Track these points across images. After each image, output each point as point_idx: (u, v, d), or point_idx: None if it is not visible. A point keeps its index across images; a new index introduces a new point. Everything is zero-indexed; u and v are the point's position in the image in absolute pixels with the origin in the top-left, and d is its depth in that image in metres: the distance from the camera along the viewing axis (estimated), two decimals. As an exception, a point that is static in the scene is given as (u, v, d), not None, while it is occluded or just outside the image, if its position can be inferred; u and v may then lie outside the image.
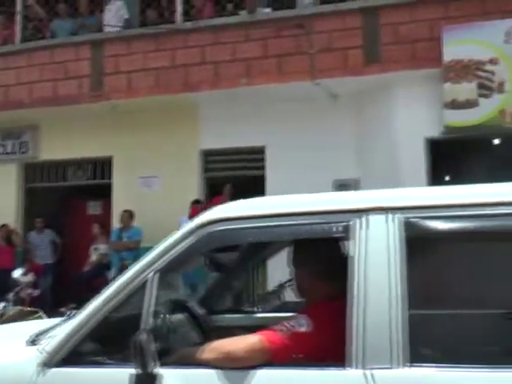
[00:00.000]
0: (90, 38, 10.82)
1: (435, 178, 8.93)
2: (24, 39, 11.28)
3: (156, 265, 2.47)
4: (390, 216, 2.34)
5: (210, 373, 2.32)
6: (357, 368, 2.19)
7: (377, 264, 2.29)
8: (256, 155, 10.30)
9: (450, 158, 9.21)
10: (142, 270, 2.48)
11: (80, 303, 2.79)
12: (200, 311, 3.29)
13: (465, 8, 8.69)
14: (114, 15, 10.91)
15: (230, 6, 10.53)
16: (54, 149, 11.22)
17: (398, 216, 2.33)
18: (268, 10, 10.06)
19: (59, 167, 11.68)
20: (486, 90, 8.61)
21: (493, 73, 8.55)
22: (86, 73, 10.59)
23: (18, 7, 11.42)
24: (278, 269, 3.18)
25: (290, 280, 3.09)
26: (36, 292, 10.69)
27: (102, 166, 11.35)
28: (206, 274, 5.62)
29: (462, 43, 8.63)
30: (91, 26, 11.22)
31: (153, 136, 10.54)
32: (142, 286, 2.45)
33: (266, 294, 3.87)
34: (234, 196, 8.47)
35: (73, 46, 10.76)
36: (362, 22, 9.14)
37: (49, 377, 2.47)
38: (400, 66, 8.82)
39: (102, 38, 10.75)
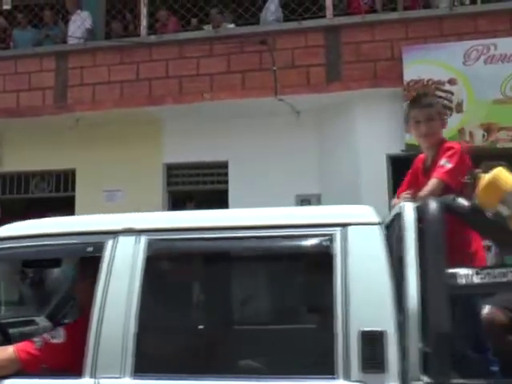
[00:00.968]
0: (55, 49, 10.76)
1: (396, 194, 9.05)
2: (-14, 49, 11.21)
3: None
4: (138, 237, 2.56)
5: None
6: (90, 377, 2.39)
7: (118, 282, 2.50)
8: (219, 169, 10.34)
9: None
10: None
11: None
12: None
13: (423, 29, 8.88)
14: (79, 26, 10.88)
15: (194, 21, 10.57)
16: (16, 161, 11.12)
17: (144, 237, 2.56)
18: (232, 25, 10.13)
19: (22, 179, 11.58)
20: (444, 109, 8.76)
21: (452, 93, 8.72)
22: (49, 84, 10.52)
23: (-19, 17, 11.35)
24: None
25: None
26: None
27: (66, 179, 11.28)
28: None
29: (421, 63, 8.79)
30: (55, 36, 11.18)
31: (117, 149, 10.51)
32: None
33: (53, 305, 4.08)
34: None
35: (37, 57, 10.69)
36: (325, 40, 9.26)
37: None
38: (361, 84, 8.95)
39: (67, 49, 10.69)
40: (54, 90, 10.53)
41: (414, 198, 3.08)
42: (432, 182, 3.22)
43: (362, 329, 2.34)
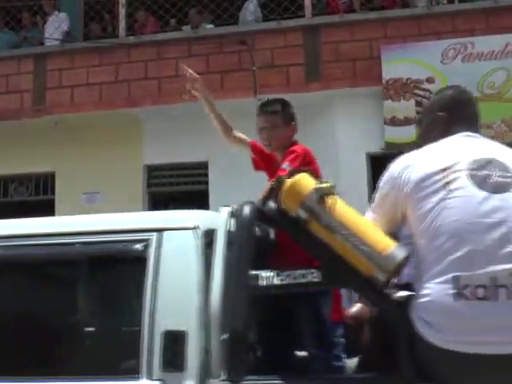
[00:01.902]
0: (33, 51, 10.69)
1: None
2: (-36, 51, 11.10)
3: None
4: None
5: None
6: None
7: None
8: (199, 170, 10.31)
9: (391, 172, 9.39)
10: None
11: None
12: None
13: (402, 28, 8.94)
14: (57, 28, 10.81)
15: (173, 22, 10.54)
16: (-6, 164, 11.04)
17: None
18: (211, 25, 10.12)
19: (1, 183, 11.48)
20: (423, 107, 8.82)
21: (430, 91, 8.75)
22: (28, 87, 10.46)
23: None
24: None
25: None
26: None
27: (45, 182, 11.20)
28: None
29: (400, 62, 8.86)
30: (33, 38, 11.10)
31: (96, 151, 10.43)
32: None
33: None
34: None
35: (15, 60, 10.61)
36: (304, 40, 9.29)
37: None
38: (341, 83, 8.98)
39: (45, 51, 10.63)
40: (32, 93, 10.48)
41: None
42: (268, 186, 3.24)
43: (165, 329, 2.43)
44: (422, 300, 2.18)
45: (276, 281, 2.41)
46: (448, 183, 2.28)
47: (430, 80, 8.81)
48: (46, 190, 11.21)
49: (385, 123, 8.92)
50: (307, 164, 3.38)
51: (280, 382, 2.43)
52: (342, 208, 2.39)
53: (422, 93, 8.79)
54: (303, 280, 2.40)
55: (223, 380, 2.35)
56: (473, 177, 2.27)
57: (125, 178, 10.40)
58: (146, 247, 2.57)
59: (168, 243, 2.56)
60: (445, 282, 2.14)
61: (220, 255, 2.48)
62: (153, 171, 10.64)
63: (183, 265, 2.53)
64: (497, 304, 2.09)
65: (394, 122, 8.90)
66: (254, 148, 3.93)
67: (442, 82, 8.72)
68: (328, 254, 2.34)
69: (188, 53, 9.73)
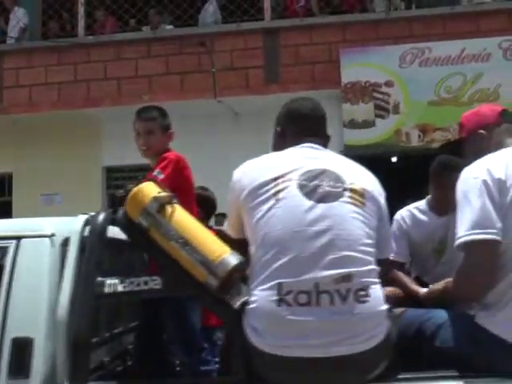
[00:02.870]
0: (-11, 49, 10.54)
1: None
2: None
3: None
4: None
5: None
6: None
7: None
8: (158, 172, 10.26)
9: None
10: None
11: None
12: None
13: (361, 32, 9.04)
14: (14, 25, 10.67)
15: (132, 22, 10.48)
16: (-49, 164, 10.85)
17: None
18: (170, 26, 10.09)
19: (-43, 183, 11.30)
20: (382, 111, 8.95)
21: (388, 95, 8.90)
22: (-16, 86, 10.32)
23: None
24: None
25: None
26: None
27: (2, 183, 11.04)
28: None
29: (359, 66, 8.96)
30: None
31: (55, 152, 10.33)
32: None
33: None
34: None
35: (-29, 58, 10.46)
36: (263, 43, 9.33)
37: None
38: (300, 86, 9.01)
39: (2, 49, 10.48)
40: (-12, 92, 10.32)
41: None
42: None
43: (13, 337, 2.43)
44: (250, 306, 2.23)
45: (120, 288, 2.45)
46: (278, 192, 2.31)
47: (388, 84, 8.93)
48: (3, 191, 11.06)
49: (344, 126, 9.00)
50: (180, 170, 3.44)
51: None
52: (180, 217, 2.44)
53: (380, 96, 8.92)
54: (145, 287, 2.45)
55: None
56: (302, 186, 2.30)
57: (84, 179, 10.32)
58: (4, 255, 2.56)
59: (24, 251, 2.56)
60: (269, 288, 2.18)
61: (72, 262, 2.49)
62: (112, 172, 10.57)
63: (37, 272, 2.53)
64: (319, 309, 2.14)
65: (353, 124, 9.00)
66: None
67: (400, 86, 8.87)
68: (168, 261, 2.39)
69: (147, 53, 9.70)
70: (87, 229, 2.54)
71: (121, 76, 9.71)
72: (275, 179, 2.34)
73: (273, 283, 2.18)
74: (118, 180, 10.56)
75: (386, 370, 2.25)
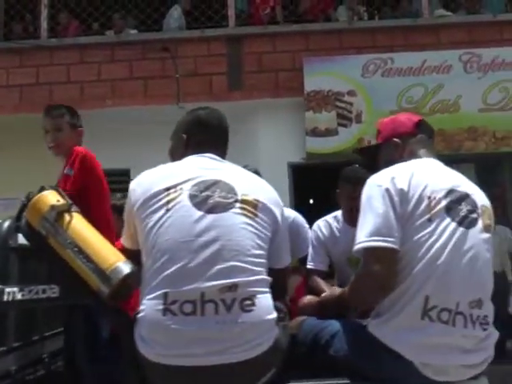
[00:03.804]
0: (-52, 50, 10.35)
1: (298, 201, 9.21)
2: None
3: None
4: None
5: None
6: None
7: None
8: (121, 177, 10.16)
9: (312, 182, 9.54)
10: None
11: None
12: None
13: (324, 42, 9.12)
14: (-24, 26, 10.52)
15: (96, 25, 10.40)
16: None
17: None
18: (134, 31, 10.04)
19: None
20: (344, 119, 9.02)
21: (351, 104, 8.97)
22: None
23: None
24: None
25: None
26: None
27: (-40, 186, 10.84)
28: None
29: (322, 75, 9.01)
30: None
31: (15, 156, 10.16)
32: None
33: None
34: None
35: None
36: (227, 50, 9.33)
37: None
38: (263, 93, 9.07)
39: (-38, 51, 10.31)
40: None
41: None
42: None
43: None
44: (139, 316, 2.26)
45: (18, 296, 2.45)
46: (168, 202, 2.34)
47: (351, 93, 9.01)
48: (-40, 194, 10.85)
49: (306, 134, 9.05)
50: (92, 169, 3.52)
51: None
52: (77, 225, 2.45)
53: (343, 105, 8.99)
54: (43, 295, 2.47)
55: None
56: (192, 197, 2.34)
57: (46, 183, 10.13)
58: None
59: None
60: (155, 298, 2.21)
61: None
62: (73, 176, 10.41)
63: None
64: (203, 318, 2.17)
65: (315, 132, 9.04)
66: None
67: (362, 96, 8.96)
68: (65, 269, 2.39)
69: (111, 58, 9.62)
70: None
71: (84, 80, 9.61)
72: (167, 189, 2.37)
73: (159, 293, 2.21)
74: (79, 184, 10.42)
75: (275, 378, 2.27)
